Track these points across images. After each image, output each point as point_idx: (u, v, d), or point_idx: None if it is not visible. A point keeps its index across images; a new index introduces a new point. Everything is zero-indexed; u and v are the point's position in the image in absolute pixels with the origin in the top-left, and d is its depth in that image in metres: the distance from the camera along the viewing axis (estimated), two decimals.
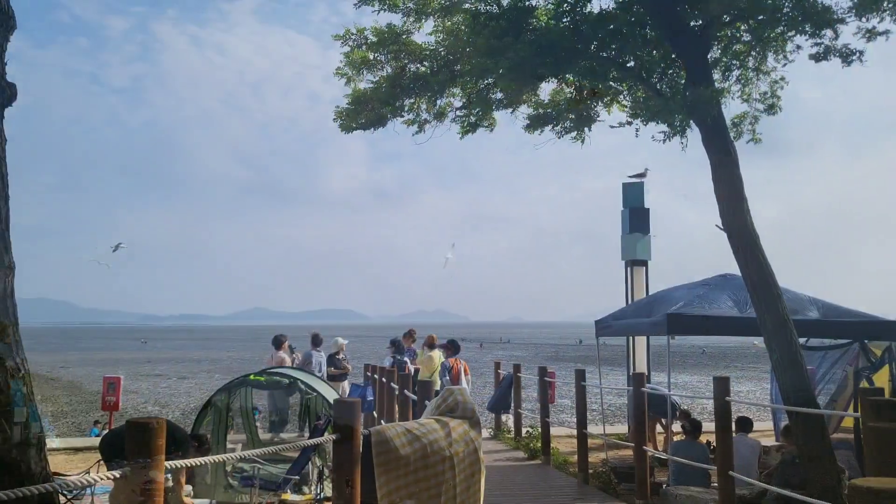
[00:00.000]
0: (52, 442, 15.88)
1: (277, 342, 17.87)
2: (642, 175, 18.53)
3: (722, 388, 8.71)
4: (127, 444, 3.55)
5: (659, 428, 15.39)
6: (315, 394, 11.85)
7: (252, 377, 11.90)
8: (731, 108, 12.72)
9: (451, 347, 16.94)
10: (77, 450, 16.31)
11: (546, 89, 12.57)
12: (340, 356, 18.45)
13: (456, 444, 6.14)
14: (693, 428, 11.42)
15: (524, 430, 16.59)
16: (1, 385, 5.90)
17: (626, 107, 12.29)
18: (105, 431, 15.97)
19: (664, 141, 10.88)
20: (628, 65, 11.25)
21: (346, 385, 18.07)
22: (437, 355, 16.18)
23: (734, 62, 11.36)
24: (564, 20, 11.03)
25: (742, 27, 10.85)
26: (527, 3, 11.38)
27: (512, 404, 17.60)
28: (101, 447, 8.46)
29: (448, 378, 15.78)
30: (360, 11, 12.30)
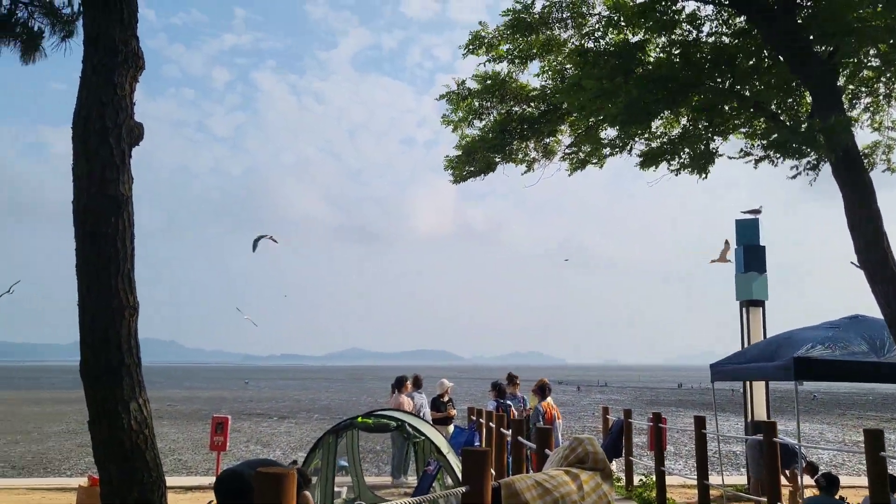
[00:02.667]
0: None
1: (398, 384, 17.72)
2: (757, 211, 17.71)
3: (876, 441, 7.94)
4: (256, 497, 3.43)
5: (783, 480, 14.41)
6: (423, 438, 11.64)
7: (360, 419, 11.80)
8: (860, 137, 12.04)
9: (542, 391, 16.44)
10: (187, 488, 16.63)
11: (658, 123, 12.20)
12: (445, 399, 18.20)
13: (588, 497, 5.78)
14: (829, 483, 10.57)
15: (636, 479, 15.87)
16: (126, 427, 5.96)
17: (743, 135, 11.81)
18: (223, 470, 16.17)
19: (794, 177, 10.35)
20: (745, 95, 10.79)
21: (450, 429, 17.77)
22: (550, 403, 15.69)
23: (862, 89, 10.75)
24: (675, 53, 10.72)
25: (871, 52, 10.25)
26: (635, 38, 11.12)
27: (623, 451, 16.90)
28: (217, 488, 8.48)
29: (541, 423, 15.29)
30: (455, 54, 12.39)
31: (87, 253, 5.81)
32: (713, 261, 19.18)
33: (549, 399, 15.98)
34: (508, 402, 17.03)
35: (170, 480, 17.51)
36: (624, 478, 16.60)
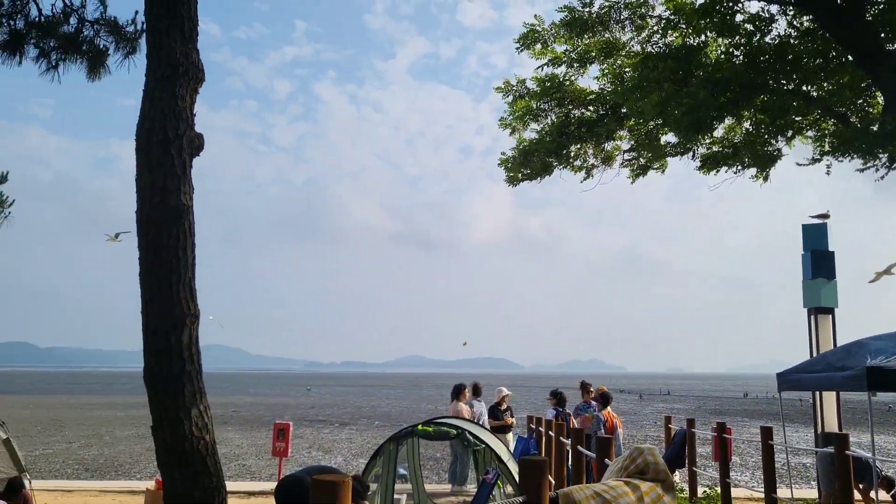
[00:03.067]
0: None
1: (457, 391, 17.69)
2: (825, 216, 17.12)
3: None
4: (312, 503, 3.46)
5: (856, 495, 13.86)
6: (483, 446, 11.57)
7: (420, 427, 11.79)
8: None
9: (603, 399, 16.16)
10: (250, 493, 16.89)
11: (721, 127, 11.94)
12: (503, 407, 18.07)
13: None
14: None
15: (700, 491, 15.47)
16: (187, 433, 6.06)
17: (810, 139, 11.44)
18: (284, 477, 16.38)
19: (863, 170, 9.99)
20: (812, 96, 10.46)
21: (509, 437, 17.63)
22: (610, 412, 15.45)
23: None
24: (737, 54, 10.47)
25: None
26: (696, 40, 10.90)
27: (686, 462, 16.49)
28: (278, 493, 8.57)
29: (602, 432, 15.02)
30: (512, 62, 12.39)
31: (149, 262, 5.96)
32: (877, 276, 18.51)
33: (609, 408, 15.72)
34: (568, 410, 16.82)
35: (233, 485, 17.84)
36: (687, 489, 16.20)
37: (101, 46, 8.33)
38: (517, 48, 12.23)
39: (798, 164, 10.95)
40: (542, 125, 12.90)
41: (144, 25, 6.30)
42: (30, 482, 10.09)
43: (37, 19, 8.05)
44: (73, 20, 8.20)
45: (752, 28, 10.19)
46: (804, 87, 10.29)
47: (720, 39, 10.57)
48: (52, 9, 8.09)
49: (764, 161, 11.15)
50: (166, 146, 5.96)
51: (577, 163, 12.87)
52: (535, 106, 12.73)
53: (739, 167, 11.47)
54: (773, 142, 11.23)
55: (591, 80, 12.47)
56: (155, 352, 5.90)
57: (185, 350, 5.91)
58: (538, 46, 12.21)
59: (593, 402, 17.37)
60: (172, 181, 5.97)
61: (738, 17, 10.08)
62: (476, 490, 13.17)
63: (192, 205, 6.14)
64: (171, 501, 5.96)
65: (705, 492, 15.04)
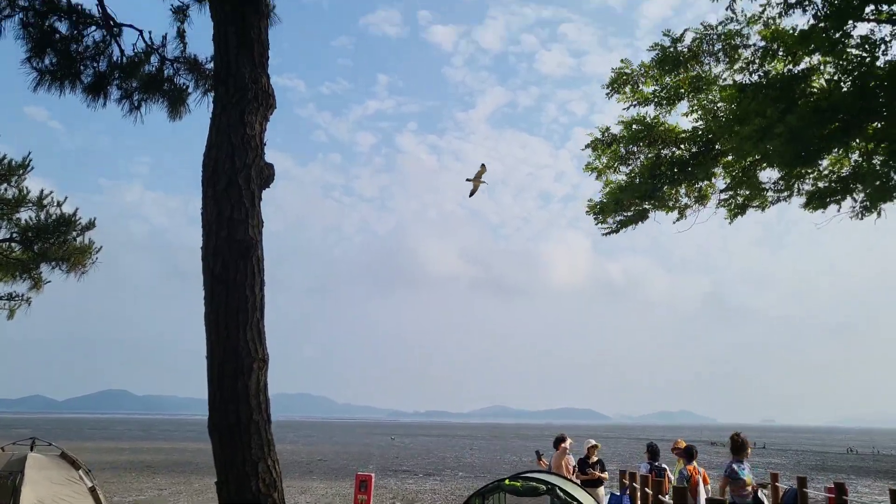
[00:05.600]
0: None
1: (557, 442, 16.92)
2: None
3: None
4: None
5: None
6: (575, 503, 10.88)
7: (507, 482, 11.21)
8: None
9: (687, 454, 15.07)
10: None
11: (826, 161, 11.12)
12: (593, 460, 17.19)
13: None
14: None
15: None
16: (254, 489, 5.63)
17: None
18: None
19: None
20: None
21: (601, 493, 16.69)
22: (696, 467, 14.42)
23: None
24: (846, 80, 9.74)
25: None
26: (797, 68, 10.23)
27: None
28: None
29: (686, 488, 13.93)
30: (592, 108, 11.98)
31: (215, 300, 5.60)
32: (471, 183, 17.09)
33: (695, 462, 14.68)
34: (664, 465, 15.83)
35: None
36: None
37: (182, 85, 8.31)
38: (607, 93, 11.84)
39: None
40: (631, 167, 12.36)
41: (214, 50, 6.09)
42: None
43: (119, 60, 8.11)
44: (153, 59, 8.22)
45: (860, 52, 9.47)
46: None
47: (825, 66, 9.87)
48: (134, 48, 8.15)
49: (880, 193, 10.26)
50: (234, 176, 5.63)
51: (670, 203, 12.22)
52: (623, 151, 12.22)
53: (852, 203, 10.58)
54: (890, 172, 10.34)
55: (680, 117, 11.88)
56: (220, 399, 5.51)
57: (253, 398, 5.50)
58: (628, 89, 11.78)
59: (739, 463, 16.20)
60: (240, 213, 5.62)
61: (845, 41, 9.39)
62: None
63: (260, 240, 5.77)
64: None
65: None
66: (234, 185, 5.58)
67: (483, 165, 16.59)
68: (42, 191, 10.86)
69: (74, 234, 10.57)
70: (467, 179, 16.72)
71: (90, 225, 10.19)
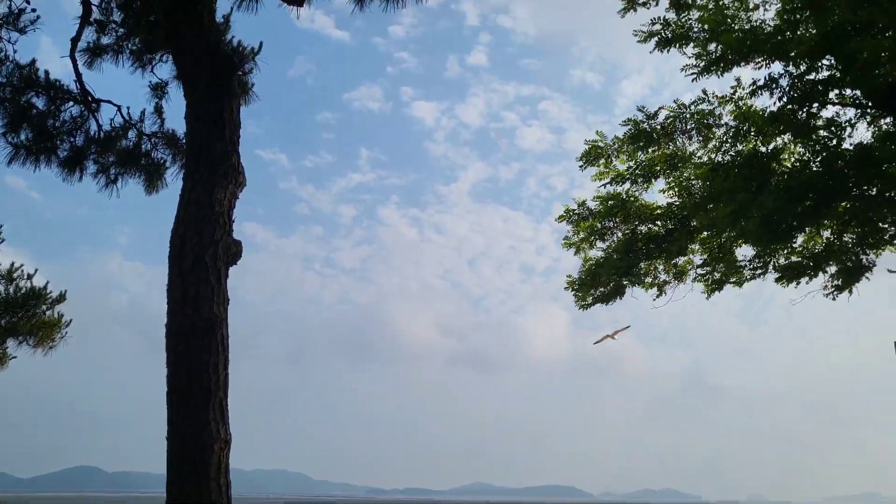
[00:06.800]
0: None
1: None
2: None
3: None
4: None
5: None
6: None
7: None
8: None
9: None
10: None
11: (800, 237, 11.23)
12: None
13: None
14: None
15: None
16: None
17: None
18: None
19: None
20: None
21: None
22: None
23: None
24: (815, 161, 9.93)
25: None
26: (768, 148, 10.45)
27: None
28: None
29: None
30: (572, 183, 12.11)
31: (178, 379, 5.42)
32: (601, 339, 17.25)
33: None
34: None
35: None
36: None
37: (159, 159, 8.33)
38: (580, 165, 11.99)
39: (890, 271, 10.12)
40: (608, 243, 12.43)
41: (186, 128, 6.11)
42: None
43: (96, 135, 8.12)
44: (131, 134, 8.25)
45: (827, 134, 9.70)
46: (890, 194, 9.62)
47: (794, 146, 10.09)
48: (112, 123, 8.18)
49: (851, 273, 10.37)
50: (200, 253, 5.55)
51: (648, 279, 12.25)
52: (599, 225, 12.31)
53: (825, 282, 10.68)
54: (860, 252, 10.48)
55: (656, 193, 12.02)
56: (179, 481, 5.24)
57: (213, 480, 5.24)
58: (602, 161, 11.95)
59: None
60: (206, 290, 5.51)
61: (813, 122, 9.63)
62: None
63: (226, 318, 5.64)
64: None
65: None
66: (200, 262, 5.50)
67: (629, 327, 16.85)
68: (13, 263, 10.72)
69: (44, 307, 10.38)
70: (608, 336, 16.97)
71: (61, 298, 10.02)
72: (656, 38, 10.63)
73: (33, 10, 7.82)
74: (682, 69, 10.39)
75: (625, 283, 12.23)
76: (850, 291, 10.78)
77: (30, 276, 10.22)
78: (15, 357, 10.84)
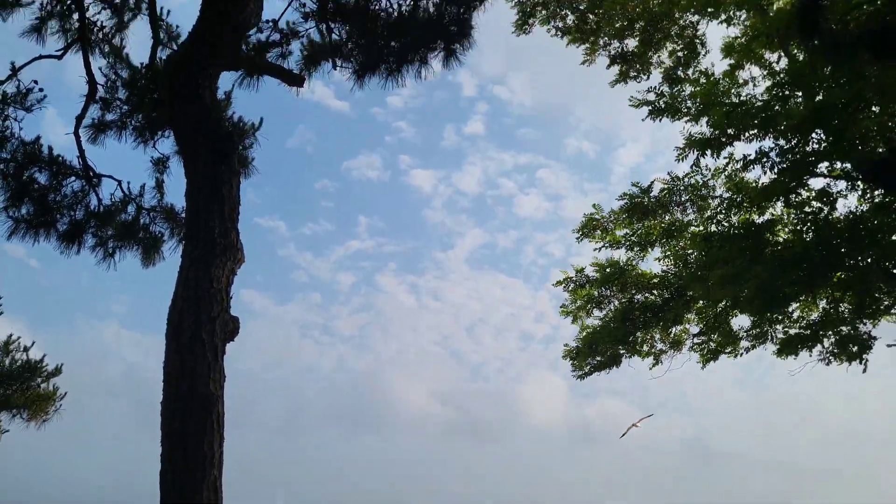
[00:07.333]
0: None
1: None
2: None
3: None
4: None
5: None
6: None
7: None
8: None
9: None
10: None
11: (796, 307, 11.27)
12: None
13: None
14: None
15: None
16: None
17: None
18: None
19: None
20: (894, 272, 9.84)
21: None
22: None
23: None
24: (808, 231, 10.06)
25: None
26: (761, 218, 10.59)
27: None
28: None
29: None
30: (569, 251, 12.23)
31: (172, 456, 5.36)
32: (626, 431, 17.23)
33: None
34: None
35: None
36: None
37: (157, 233, 8.43)
38: (577, 237, 12.13)
39: (889, 346, 10.10)
40: (605, 311, 12.48)
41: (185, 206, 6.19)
42: None
43: (96, 209, 8.24)
44: (130, 208, 8.37)
45: (819, 205, 9.84)
46: (884, 264, 9.69)
47: (788, 216, 10.22)
48: (112, 197, 8.31)
49: (848, 343, 10.36)
50: (198, 330, 5.57)
51: (644, 348, 12.25)
52: (596, 293, 12.39)
53: (824, 354, 10.67)
54: (857, 321, 10.49)
55: (653, 262, 12.12)
56: None
57: None
58: (598, 234, 12.11)
59: None
60: (203, 367, 5.51)
61: (805, 194, 9.78)
62: None
63: (222, 395, 5.61)
64: None
65: None
66: (197, 338, 5.52)
67: (651, 415, 16.85)
68: (10, 335, 10.73)
69: (39, 380, 10.33)
70: (633, 425, 16.99)
71: (57, 371, 9.99)
72: (649, 108, 10.85)
73: (41, 90, 8.04)
74: (676, 154, 10.51)
75: (622, 351, 12.23)
76: (849, 362, 10.75)
77: (26, 349, 10.20)
78: (7, 431, 10.72)
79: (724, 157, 10.65)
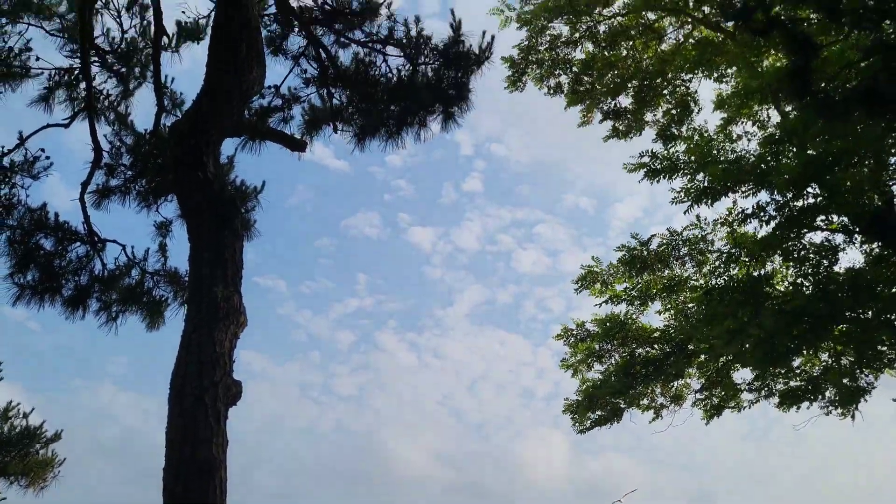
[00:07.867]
0: None
1: None
2: None
3: None
4: None
5: None
6: None
7: None
8: None
9: None
10: None
11: (798, 360, 11.24)
12: None
13: None
14: None
15: None
16: None
17: None
18: None
19: None
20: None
21: None
22: None
23: None
24: (807, 284, 10.11)
25: None
26: (762, 271, 10.64)
27: None
28: None
29: None
30: (569, 305, 12.34)
31: None
32: None
33: None
34: None
35: None
36: None
37: (160, 297, 8.47)
38: (576, 289, 12.19)
39: (894, 400, 10.02)
40: (606, 365, 12.48)
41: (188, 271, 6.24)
42: None
43: (101, 273, 8.30)
44: (134, 272, 8.43)
45: (818, 258, 9.91)
46: (886, 317, 9.70)
47: (787, 269, 10.29)
48: (116, 262, 8.37)
49: (849, 396, 10.31)
50: (201, 394, 5.56)
51: (644, 402, 12.20)
52: (597, 347, 12.41)
53: (825, 404, 10.63)
54: (859, 374, 10.46)
55: (653, 315, 12.17)
56: None
57: None
58: (597, 286, 12.17)
59: None
60: (206, 432, 5.48)
61: (804, 247, 9.86)
62: None
63: (224, 459, 5.58)
64: None
65: None
66: (200, 403, 5.51)
67: (635, 490, 16.92)
68: (10, 402, 10.64)
69: (38, 446, 10.22)
70: (617, 501, 17.00)
71: (56, 437, 9.89)
72: (645, 170, 11.02)
73: (47, 157, 8.18)
74: (672, 201, 10.69)
75: (622, 405, 12.18)
76: (853, 415, 10.68)
77: (26, 415, 10.10)
78: (4, 498, 10.55)
79: (724, 213, 10.80)
